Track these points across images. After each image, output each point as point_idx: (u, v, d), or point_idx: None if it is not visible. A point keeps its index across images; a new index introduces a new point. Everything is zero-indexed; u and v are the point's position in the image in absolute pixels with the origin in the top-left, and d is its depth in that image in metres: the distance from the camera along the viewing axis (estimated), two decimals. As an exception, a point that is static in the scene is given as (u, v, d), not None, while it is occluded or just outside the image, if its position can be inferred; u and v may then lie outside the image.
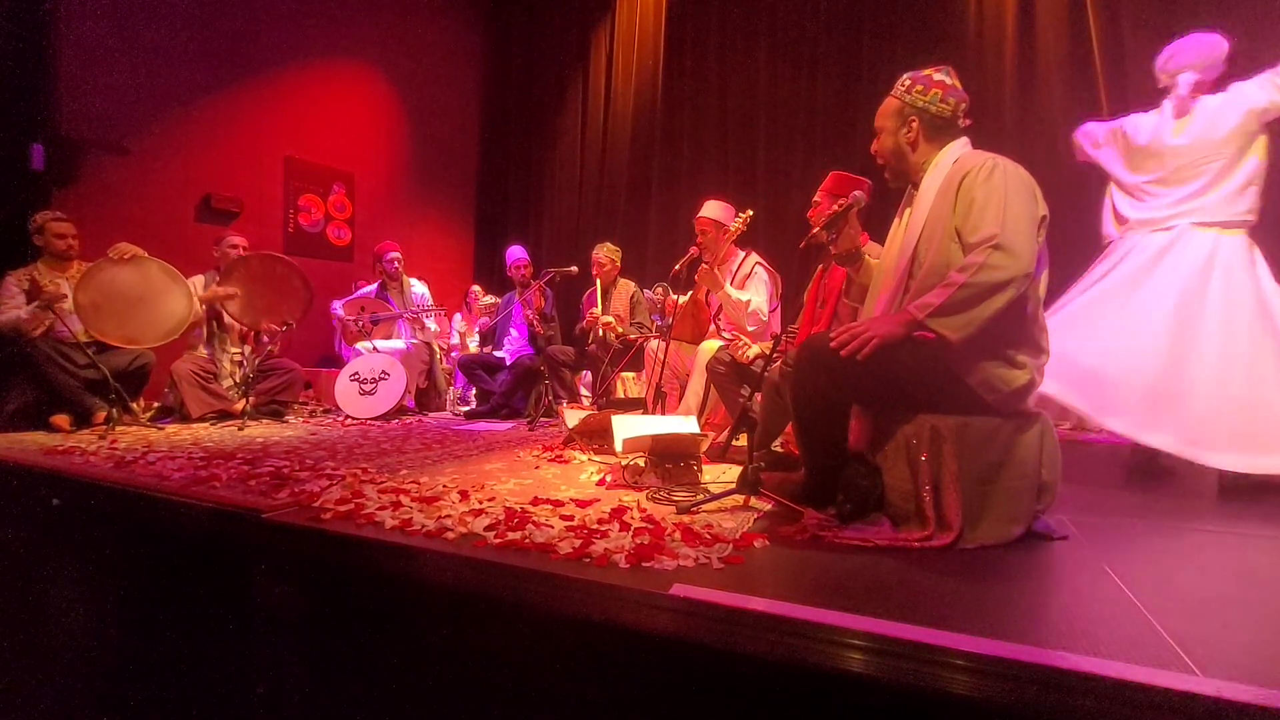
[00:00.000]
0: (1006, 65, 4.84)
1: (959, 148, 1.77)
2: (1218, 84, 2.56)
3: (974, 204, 1.61)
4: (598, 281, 4.45)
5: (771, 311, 3.16)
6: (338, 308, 4.77)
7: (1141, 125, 2.69)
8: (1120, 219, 2.73)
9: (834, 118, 5.52)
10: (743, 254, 3.30)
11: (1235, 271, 2.40)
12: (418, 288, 4.91)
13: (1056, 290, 2.64)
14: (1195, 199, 2.52)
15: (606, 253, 4.46)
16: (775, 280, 3.26)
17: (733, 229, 3.11)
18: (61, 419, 3.26)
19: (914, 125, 1.78)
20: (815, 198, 2.68)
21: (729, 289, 3.09)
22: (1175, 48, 2.61)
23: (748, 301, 3.05)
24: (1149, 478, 2.48)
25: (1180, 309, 2.39)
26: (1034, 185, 1.65)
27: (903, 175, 1.85)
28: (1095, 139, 2.85)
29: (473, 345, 5.72)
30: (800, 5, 5.75)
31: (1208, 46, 2.54)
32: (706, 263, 3.18)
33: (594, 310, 4.36)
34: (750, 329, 3.03)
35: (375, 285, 4.90)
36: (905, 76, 1.82)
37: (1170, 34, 2.67)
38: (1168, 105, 2.62)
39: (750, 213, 3.08)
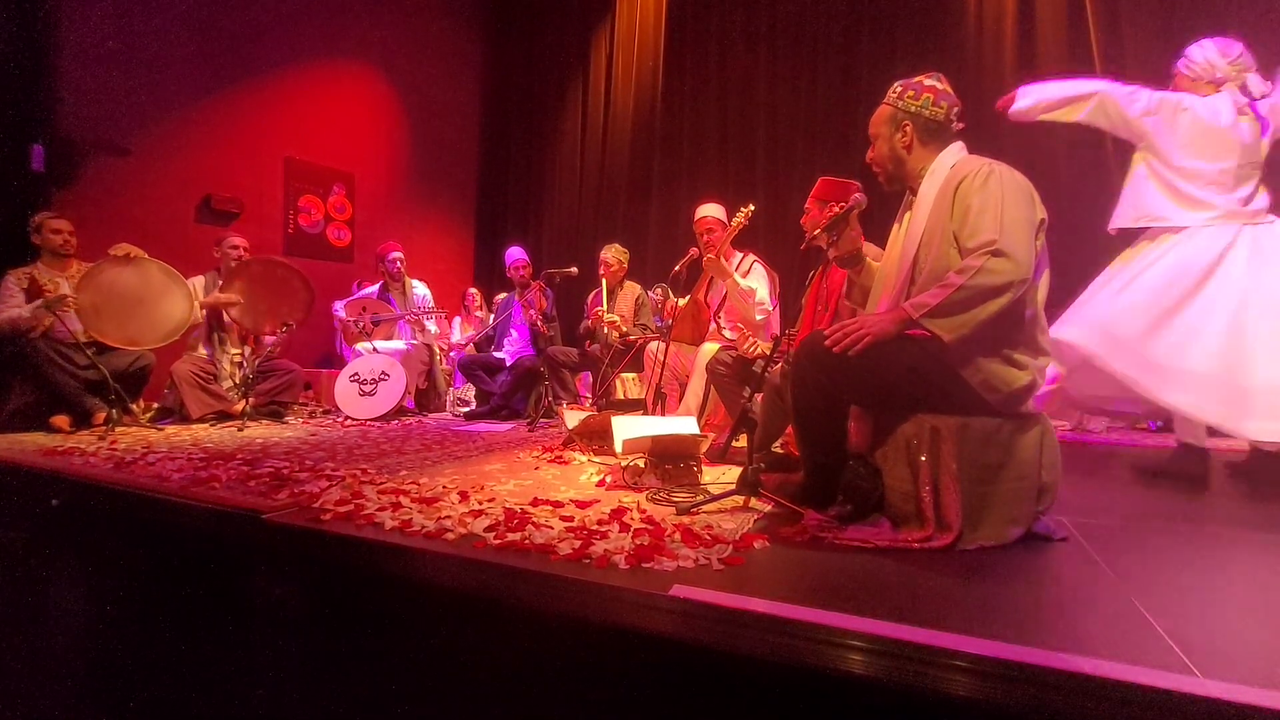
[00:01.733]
0: (1006, 65, 4.84)
1: (954, 153, 1.78)
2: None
3: (970, 210, 1.62)
4: (604, 282, 4.44)
5: (773, 308, 3.17)
6: (339, 309, 4.77)
7: (1219, 108, 2.45)
8: (1149, 211, 2.54)
9: (833, 119, 5.52)
10: (741, 254, 3.31)
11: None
12: (419, 289, 4.91)
13: (1059, 290, 2.64)
14: (1252, 199, 2.46)
15: (614, 254, 4.43)
16: (774, 279, 3.27)
17: (734, 224, 3.11)
18: (61, 420, 3.27)
19: (908, 130, 1.79)
20: (806, 205, 2.69)
21: (736, 277, 3.09)
22: (1233, 44, 2.53)
23: (754, 290, 3.06)
24: (1169, 479, 2.46)
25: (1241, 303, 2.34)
26: (1031, 189, 1.65)
27: (899, 181, 1.86)
28: (1142, 103, 2.52)
29: (455, 337, 5.73)
30: (800, 7, 5.76)
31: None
32: (715, 254, 3.17)
33: (599, 309, 4.35)
34: (759, 318, 3.03)
35: (377, 286, 4.90)
36: (896, 84, 1.84)
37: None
38: (1227, 98, 2.47)
39: (752, 206, 3.08)
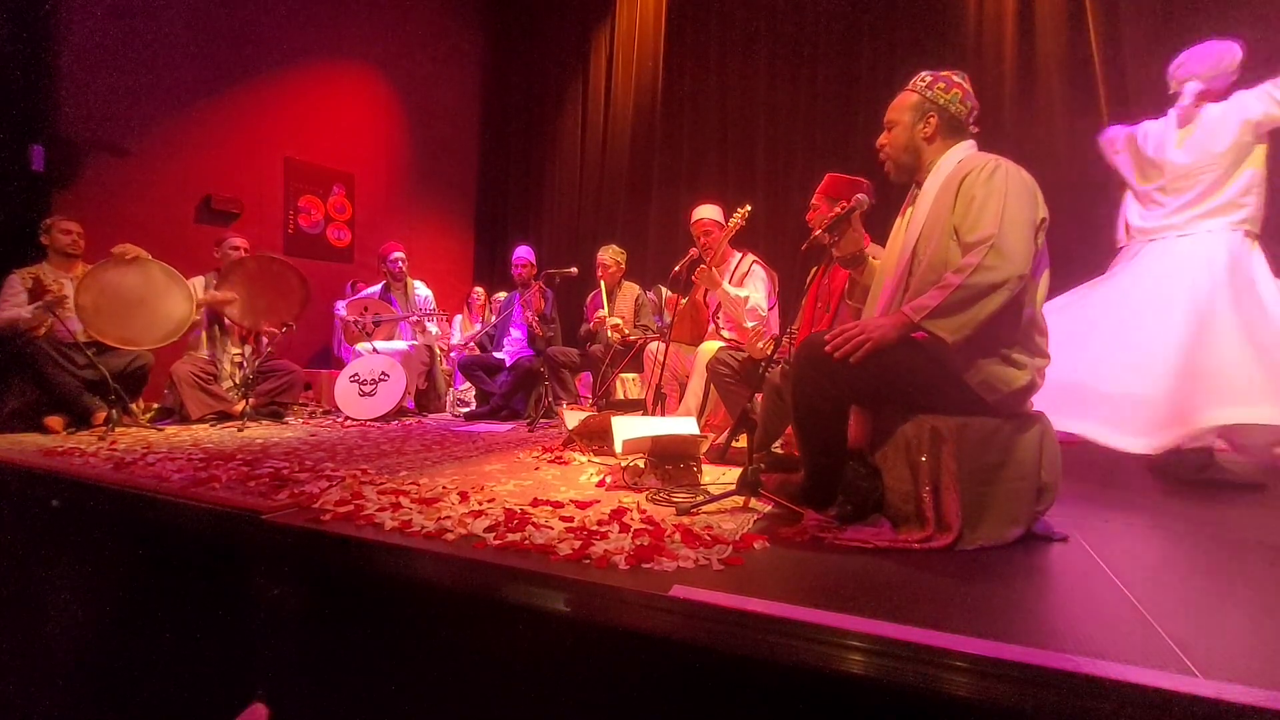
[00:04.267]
0: (1006, 65, 4.84)
1: (965, 149, 1.77)
2: (1226, 93, 2.54)
3: (973, 203, 1.61)
4: (602, 283, 4.44)
5: (770, 309, 3.17)
6: (341, 308, 4.77)
7: (1150, 133, 2.68)
8: (1128, 227, 2.73)
9: (833, 119, 5.52)
10: (740, 254, 3.30)
11: (1216, 267, 2.41)
12: (421, 290, 4.91)
13: (1059, 291, 2.64)
14: (1189, 209, 2.53)
15: (612, 255, 4.44)
16: (773, 279, 3.27)
17: (731, 224, 3.11)
18: (55, 420, 3.25)
19: (932, 121, 1.78)
20: (813, 201, 2.68)
21: (727, 286, 3.10)
22: (1186, 55, 2.59)
23: (745, 298, 3.06)
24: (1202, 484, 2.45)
25: (1163, 313, 2.42)
26: (1035, 187, 1.65)
27: (908, 171, 1.85)
28: (1116, 144, 2.82)
29: (456, 337, 5.73)
30: (800, 6, 5.76)
31: (1216, 55, 2.52)
32: (706, 263, 3.19)
33: (601, 312, 4.35)
34: (750, 325, 3.03)
35: (379, 286, 4.90)
36: (925, 73, 1.82)
37: (1170, 37, 2.67)
38: (1173, 114, 2.61)
39: (748, 207, 3.09)
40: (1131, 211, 2.73)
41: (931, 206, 1.72)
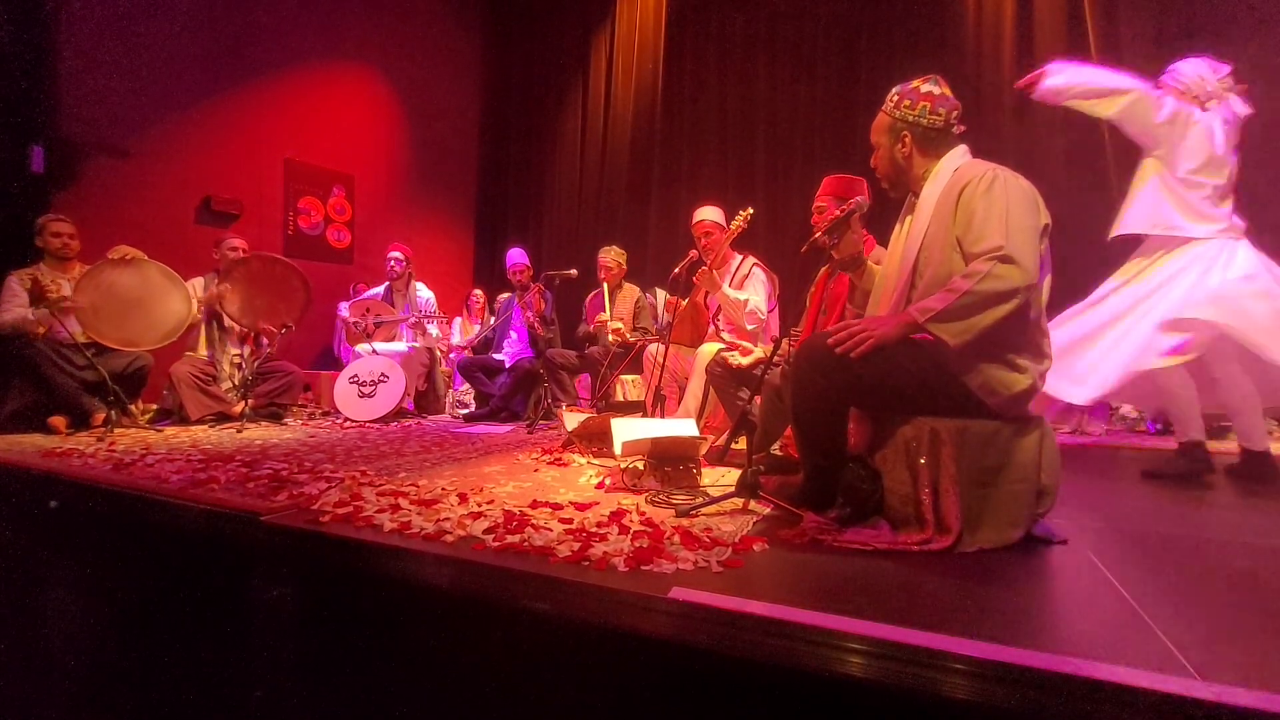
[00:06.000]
0: (1006, 68, 4.85)
1: (958, 157, 1.76)
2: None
3: (975, 216, 1.61)
4: (604, 285, 4.44)
5: (770, 312, 3.17)
6: (344, 310, 4.77)
7: (1214, 125, 2.49)
8: (1164, 220, 2.54)
9: (833, 121, 5.53)
10: (740, 257, 3.31)
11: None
12: (423, 293, 4.90)
13: (1058, 296, 2.64)
14: (1232, 215, 2.54)
15: (613, 256, 4.44)
16: (773, 281, 3.27)
17: (733, 227, 3.11)
18: (59, 420, 3.26)
19: (906, 140, 1.78)
20: (819, 203, 2.68)
21: (727, 289, 3.10)
22: (1222, 65, 2.58)
23: (745, 301, 3.06)
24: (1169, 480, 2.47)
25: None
26: (1035, 194, 1.64)
27: (902, 187, 1.86)
28: (1166, 110, 2.50)
29: (456, 339, 5.73)
30: (800, 9, 5.77)
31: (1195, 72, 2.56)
32: (707, 264, 3.19)
33: (602, 315, 4.34)
34: (750, 328, 3.04)
35: (383, 287, 4.90)
36: (894, 91, 1.81)
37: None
38: (1217, 119, 2.52)
39: (750, 210, 3.09)
40: (1169, 203, 2.51)
41: (931, 219, 1.71)
